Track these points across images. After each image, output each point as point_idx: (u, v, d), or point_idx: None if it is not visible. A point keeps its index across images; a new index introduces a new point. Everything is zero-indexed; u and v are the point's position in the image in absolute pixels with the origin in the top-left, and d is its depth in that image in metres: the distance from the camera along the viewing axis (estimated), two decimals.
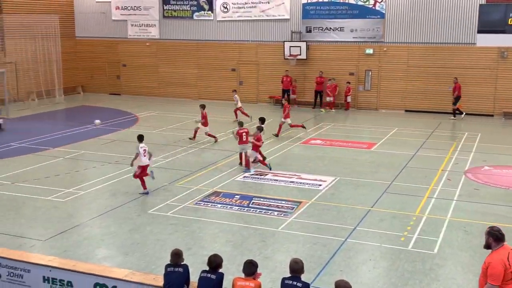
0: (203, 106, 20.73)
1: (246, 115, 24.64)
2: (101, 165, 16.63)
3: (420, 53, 27.13)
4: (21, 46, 29.95)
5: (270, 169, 16.39)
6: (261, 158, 16.82)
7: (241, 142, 16.77)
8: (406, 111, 27.63)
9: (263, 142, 17.09)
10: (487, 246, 6.85)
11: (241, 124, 17.40)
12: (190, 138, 20.52)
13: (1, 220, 12.25)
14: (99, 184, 15.09)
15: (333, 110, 27.98)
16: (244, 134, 16.71)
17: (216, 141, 20.43)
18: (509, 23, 25.28)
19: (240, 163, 16.86)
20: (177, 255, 7.42)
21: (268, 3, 29.51)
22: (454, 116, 25.64)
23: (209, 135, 20.60)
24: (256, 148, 16.64)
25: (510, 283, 6.58)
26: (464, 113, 25.79)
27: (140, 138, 14.69)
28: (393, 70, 27.75)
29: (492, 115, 26.19)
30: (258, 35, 30.15)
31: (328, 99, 28.02)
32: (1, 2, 28.94)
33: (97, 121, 19.07)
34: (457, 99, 25.56)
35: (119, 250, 10.81)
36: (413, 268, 9.85)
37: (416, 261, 10.14)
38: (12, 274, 7.95)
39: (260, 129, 16.92)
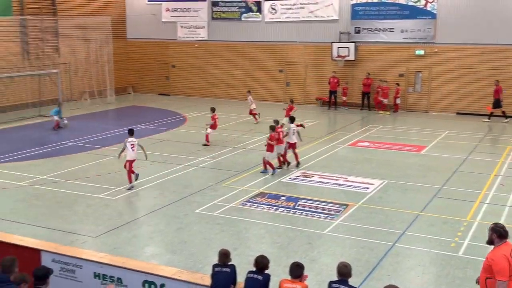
0: (213, 109, 20.76)
1: (255, 117, 24.82)
2: (150, 164, 16.93)
3: (473, 55, 26.39)
4: (74, 47, 30.86)
5: (273, 173, 16.20)
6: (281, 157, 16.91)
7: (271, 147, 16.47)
8: (458, 113, 26.94)
9: (278, 141, 16.59)
10: (490, 242, 6.89)
11: (273, 128, 16.75)
12: (204, 144, 20.09)
13: (54, 217, 12.66)
14: (148, 182, 15.38)
15: (388, 113, 27.50)
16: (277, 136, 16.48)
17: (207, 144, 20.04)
18: None
19: (280, 166, 16.80)
20: (225, 255, 7.48)
21: (317, 3, 29.36)
22: (489, 119, 24.95)
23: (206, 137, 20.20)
24: (270, 148, 16.46)
25: None
26: (508, 118, 24.93)
27: (130, 132, 15.16)
28: (445, 71, 27.10)
29: None
30: (306, 36, 30.04)
31: (385, 101, 27.52)
32: (56, 5, 29.88)
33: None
34: (496, 102, 24.80)
35: (167, 248, 10.99)
36: (464, 275, 9.60)
37: (467, 267, 9.88)
38: (64, 270, 8.18)
39: (272, 128, 16.72)
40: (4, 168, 16.79)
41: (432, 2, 26.82)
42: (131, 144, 14.76)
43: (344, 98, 28.72)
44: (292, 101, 24.08)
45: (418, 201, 13.69)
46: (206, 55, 32.92)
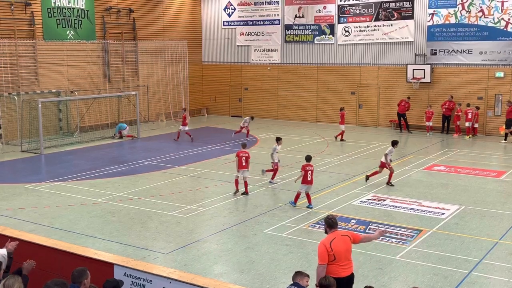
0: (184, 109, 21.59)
1: (239, 131, 25.77)
2: (220, 183, 17.16)
3: None
4: (152, 70, 32.12)
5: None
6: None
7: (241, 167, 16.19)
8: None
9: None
10: (325, 232, 8.16)
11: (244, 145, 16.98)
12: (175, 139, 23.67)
13: (128, 233, 13.06)
14: (218, 202, 15.59)
15: (469, 136, 26.53)
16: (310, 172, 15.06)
17: (192, 140, 23.74)
18: None
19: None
20: (301, 275, 7.49)
21: (391, 25, 29.01)
22: (505, 140, 24.67)
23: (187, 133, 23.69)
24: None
25: (333, 264, 7.75)
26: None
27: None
28: None
29: None
30: (380, 58, 29.70)
31: (467, 124, 26.56)
32: (136, 30, 31.27)
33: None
34: (508, 122, 24.68)
35: (234, 267, 11.04)
36: None
37: None
38: (135, 284, 8.39)
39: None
40: (83, 185, 17.58)
41: None
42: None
43: (428, 123, 27.67)
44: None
45: (496, 229, 13.03)
46: (278, 78, 33.23)
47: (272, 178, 17.80)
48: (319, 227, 13.25)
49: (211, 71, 35.79)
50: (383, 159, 17.46)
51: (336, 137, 25.81)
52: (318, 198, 15.88)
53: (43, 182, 17.91)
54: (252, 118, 26.65)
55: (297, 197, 15.02)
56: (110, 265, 8.48)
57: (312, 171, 15.04)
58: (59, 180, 18.13)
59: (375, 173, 17.60)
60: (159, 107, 32.71)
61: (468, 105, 26.69)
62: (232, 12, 34.31)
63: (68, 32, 27.68)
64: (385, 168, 17.42)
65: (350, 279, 7.97)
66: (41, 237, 9.86)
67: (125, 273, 8.46)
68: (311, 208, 14.80)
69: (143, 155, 22.40)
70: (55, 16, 27.04)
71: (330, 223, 8.12)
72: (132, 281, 8.41)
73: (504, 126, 25.14)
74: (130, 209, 14.87)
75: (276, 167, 17.80)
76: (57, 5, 27.06)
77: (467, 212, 14.42)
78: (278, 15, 32.62)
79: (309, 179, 14.89)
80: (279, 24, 32.69)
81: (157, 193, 16.45)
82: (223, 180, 17.78)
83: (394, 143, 17.68)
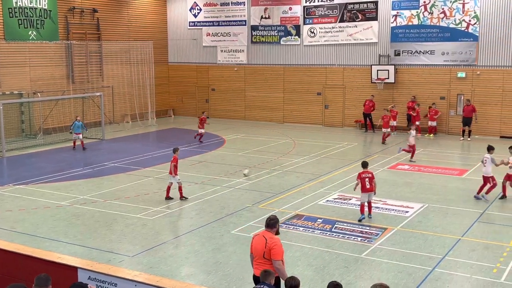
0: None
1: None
2: (187, 185, 17.08)
3: None
4: (117, 71, 31.73)
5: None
6: None
7: None
8: (501, 137, 26.24)
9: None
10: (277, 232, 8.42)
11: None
12: None
13: (93, 236, 12.87)
14: (185, 203, 15.51)
15: (432, 135, 27.11)
16: (367, 179, 13.91)
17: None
18: None
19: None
20: (267, 274, 7.50)
21: (356, 27, 29.37)
22: (467, 137, 25.85)
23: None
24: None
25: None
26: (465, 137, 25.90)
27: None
28: (487, 94, 26.55)
29: None
30: (345, 58, 30.03)
31: (430, 123, 27.15)
32: (100, 30, 30.85)
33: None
34: (466, 120, 25.69)
35: (201, 269, 11.00)
36: None
37: None
38: (100, 287, 8.28)
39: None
40: (47, 188, 17.24)
41: (474, 24, 26.44)
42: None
43: (392, 122, 28.02)
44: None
45: (459, 226, 13.33)
46: (245, 78, 33.26)
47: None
48: (286, 227, 13.32)
49: (177, 72, 35.58)
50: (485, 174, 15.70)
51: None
52: (285, 198, 15.96)
53: (5, 186, 17.50)
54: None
55: (362, 208, 13.86)
56: (74, 269, 8.35)
57: (370, 178, 13.79)
58: (21, 183, 17.75)
59: (491, 187, 15.79)
60: (124, 109, 32.34)
61: (432, 105, 27.21)
62: (198, 13, 34.19)
63: (30, 32, 27.12)
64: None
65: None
66: (2, 242, 9.64)
67: (90, 276, 8.34)
68: (362, 218, 13.69)
69: (108, 157, 22.11)
70: (17, 16, 26.45)
71: (267, 222, 8.44)
72: (97, 285, 8.29)
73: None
74: (94, 212, 14.66)
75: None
76: (18, 5, 26.48)
77: (431, 210, 14.70)
78: (244, 16, 32.66)
79: (368, 186, 13.74)
80: (245, 25, 32.73)
81: (122, 196, 16.27)
82: (190, 182, 17.69)
83: (490, 149, 16.08)
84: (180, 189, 15.83)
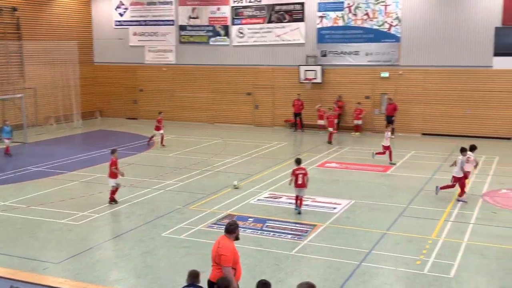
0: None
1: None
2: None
3: (437, 77, 27.02)
4: (40, 72, 30.51)
5: None
6: None
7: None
8: (423, 134, 27.41)
9: None
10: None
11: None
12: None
13: (15, 243, 12.30)
14: (113, 207, 15.13)
15: (358, 133, 27.89)
16: (301, 175, 14.47)
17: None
18: None
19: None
20: (194, 276, 7.43)
21: (283, 28, 29.75)
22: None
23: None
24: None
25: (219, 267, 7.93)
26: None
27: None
28: (409, 93, 27.63)
29: (509, 138, 25.85)
30: (274, 59, 30.35)
31: (356, 122, 27.94)
32: (21, 30, 29.56)
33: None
34: (388, 118, 26.46)
35: (131, 273, 10.77)
36: None
37: (432, 285, 9.93)
38: None
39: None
40: None
41: (396, 26, 27.45)
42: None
43: (320, 121, 28.63)
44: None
45: (384, 220, 13.78)
46: (174, 79, 32.92)
47: None
48: (217, 227, 13.29)
49: (104, 72, 34.67)
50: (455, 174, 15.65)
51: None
52: (216, 198, 15.92)
53: None
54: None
55: (296, 200, 14.54)
56: None
57: (303, 174, 14.35)
58: None
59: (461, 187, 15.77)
60: (48, 110, 31.12)
61: (357, 104, 28.03)
62: (124, 12, 33.48)
63: None
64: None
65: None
66: None
67: (12, 286, 7.97)
68: (298, 212, 14.32)
69: (31, 161, 21.21)
70: None
71: (226, 228, 8.35)
72: None
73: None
74: (16, 219, 14.02)
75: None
76: None
77: (358, 206, 15.12)
78: (172, 15, 32.32)
79: (300, 182, 14.32)
80: (173, 24, 32.39)
81: (46, 201, 15.65)
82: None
83: (463, 150, 15.82)
84: (113, 192, 15.43)
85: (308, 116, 29.13)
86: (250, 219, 13.94)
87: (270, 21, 30.01)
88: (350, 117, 28.34)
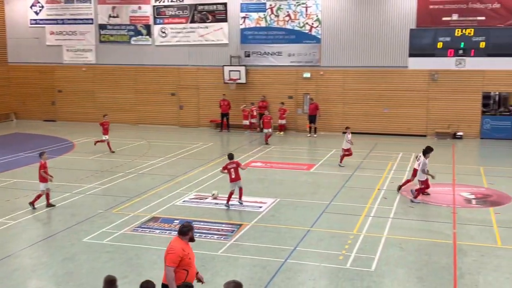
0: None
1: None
2: (33, 193, 15.94)
3: (356, 77, 27.92)
4: None
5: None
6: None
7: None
8: (344, 133, 28.14)
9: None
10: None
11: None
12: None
13: None
14: (31, 213, 14.49)
15: (282, 133, 28.31)
16: (233, 169, 14.95)
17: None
18: (438, 47, 26.47)
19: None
20: (109, 282, 7.17)
21: (207, 28, 29.67)
22: (313, 134, 27.55)
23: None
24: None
25: (181, 272, 7.78)
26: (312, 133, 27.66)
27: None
28: (330, 93, 28.37)
29: (425, 135, 27.15)
30: (198, 59, 30.20)
31: (280, 121, 28.35)
32: None
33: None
34: (311, 118, 27.34)
35: (51, 281, 10.35)
36: (352, 286, 9.93)
37: (354, 279, 10.23)
38: None
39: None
40: None
41: (316, 27, 28.09)
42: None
43: (245, 121, 28.86)
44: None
45: (308, 218, 14.05)
46: (95, 79, 32.00)
47: None
48: (142, 231, 13.04)
49: (19, 72, 33.13)
50: (416, 166, 16.23)
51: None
52: (140, 201, 15.62)
53: None
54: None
55: (229, 197, 15.02)
56: None
57: (235, 168, 14.92)
58: None
59: (408, 181, 16.59)
60: None
61: (281, 104, 28.45)
62: (40, 10, 32.16)
63: None
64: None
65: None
66: None
67: None
68: (240, 203, 15.00)
69: None
70: None
71: (180, 230, 8.26)
72: None
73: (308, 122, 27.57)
74: None
75: None
76: None
77: (282, 204, 15.33)
78: (91, 14, 31.41)
79: (233, 176, 14.89)
80: (92, 23, 31.48)
81: None
82: (36, 190, 16.54)
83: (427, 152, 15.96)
84: (38, 197, 14.79)
85: (233, 116, 29.24)
86: (176, 221, 13.78)
87: (193, 21, 29.85)
88: (275, 116, 28.68)
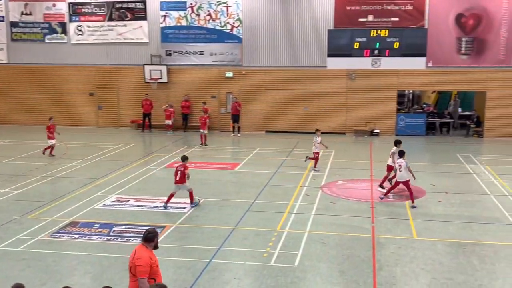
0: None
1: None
2: None
3: (277, 76, 28.30)
4: None
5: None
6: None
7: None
8: (267, 131, 28.54)
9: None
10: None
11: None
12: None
13: None
14: None
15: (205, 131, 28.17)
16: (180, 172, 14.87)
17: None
18: (355, 47, 27.35)
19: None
20: None
21: (125, 26, 29.02)
22: (237, 133, 27.81)
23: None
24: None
25: (148, 281, 7.42)
26: (235, 132, 27.85)
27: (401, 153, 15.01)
28: (253, 92, 28.60)
29: (344, 133, 27.98)
30: (117, 58, 29.49)
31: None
32: None
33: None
34: (234, 117, 27.51)
35: None
36: (276, 283, 10.03)
37: (278, 275, 10.35)
38: None
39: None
40: None
41: (238, 27, 28.21)
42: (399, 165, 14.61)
43: (168, 121, 28.47)
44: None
45: (233, 217, 14.07)
46: (6, 79, 30.46)
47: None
48: (60, 236, 12.55)
49: None
50: (389, 162, 16.39)
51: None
52: (58, 205, 15.02)
53: None
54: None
55: (169, 198, 14.89)
56: None
57: (182, 171, 14.78)
58: None
59: (385, 178, 16.72)
60: None
61: (203, 103, 28.33)
62: None
63: None
64: None
65: None
66: None
67: None
68: (192, 206, 14.85)
69: None
70: None
71: (145, 237, 7.84)
72: None
73: (232, 122, 27.67)
74: None
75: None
76: None
77: (207, 204, 15.25)
78: (2, 11, 29.86)
79: (177, 178, 14.79)
80: (3, 21, 29.94)
81: None
82: None
83: (397, 143, 16.42)
84: None
85: (155, 116, 28.80)
86: (95, 225, 13.36)
87: (111, 19, 29.09)
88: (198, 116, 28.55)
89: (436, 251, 11.64)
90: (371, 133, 27.61)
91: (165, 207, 14.76)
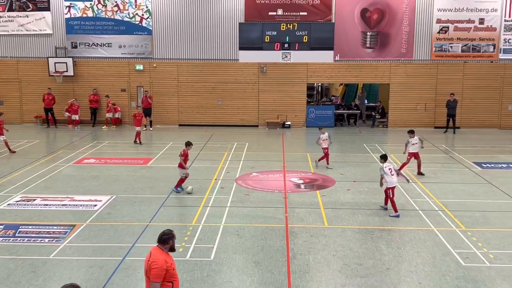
0: None
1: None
2: None
3: (189, 69, 28.09)
4: None
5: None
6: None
7: None
8: (180, 125, 28.27)
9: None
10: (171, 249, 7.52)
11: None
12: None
13: None
14: None
15: (114, 127, 27.50)
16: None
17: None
18: (266, 40, 27.69)
19: None
20: None
21: (27, 17, 27.58)
22: (149, 127, 27.38)
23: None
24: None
25: (165, 285, 7.22)
26: (147, 127, 27.42)
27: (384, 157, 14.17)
28: (164, 86, 28.21)
29: (257, 126, 28.31)
30: (18, 50, 27.98)
31: (108, 115, 27.51)
32: None
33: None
34: (146, 111, 26.91)
35: None
36: (192, 277, 9.99)
37: (194, 270, 10.31)
38: None
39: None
40: None
41: (147, 18, 27.65)
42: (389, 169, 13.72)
43: (74, 116, 27.44)
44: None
45: (146, 212, 13.83)
46: None
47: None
48: None
49: None
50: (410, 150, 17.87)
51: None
52: None
53: None
54: None
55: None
56: None
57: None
58: None
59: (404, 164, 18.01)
60: None
61: (107, 96, 27.66)
62: None
63: None
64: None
65: None
66: None
67: None
68: (175, 191, 15.66)
69: None
70: None
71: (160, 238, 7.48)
72: None
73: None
74: None
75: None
76: None
77: (119, 201, 14.88)
78: None
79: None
80: None
81: None
82: None
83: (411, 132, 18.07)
84: None
85: (62, 111, 27.66)
86: (0, 227, 12.64)
87: (11, 9, 27.53)
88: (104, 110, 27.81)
89: (346, 238, 12.09)
90: (283, 125, 28.13)
91: (177, 191, 15.59)
